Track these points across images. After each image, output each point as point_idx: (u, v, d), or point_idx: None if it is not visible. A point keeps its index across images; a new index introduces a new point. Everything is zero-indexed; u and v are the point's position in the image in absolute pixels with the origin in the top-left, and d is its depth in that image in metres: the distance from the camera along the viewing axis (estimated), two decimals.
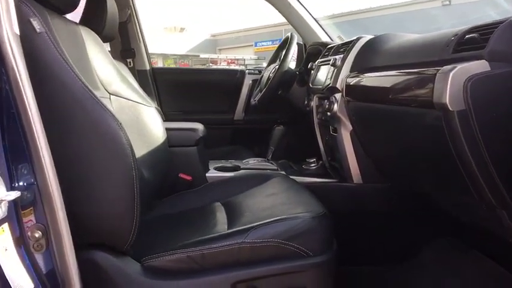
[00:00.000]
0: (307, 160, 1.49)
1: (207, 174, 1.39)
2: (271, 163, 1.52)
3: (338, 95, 1.35)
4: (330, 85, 1.36)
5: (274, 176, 1.27)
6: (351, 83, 1.22)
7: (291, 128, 1.67)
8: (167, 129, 1.36)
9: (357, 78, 1.20)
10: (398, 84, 0.95)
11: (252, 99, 2.00)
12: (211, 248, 0.84)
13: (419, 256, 1.34)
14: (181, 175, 1.32)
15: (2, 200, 0.58)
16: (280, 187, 1.16)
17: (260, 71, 2.18)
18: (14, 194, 0.59)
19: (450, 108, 0.75)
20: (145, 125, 1.21)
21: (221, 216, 1.05)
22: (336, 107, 1.35)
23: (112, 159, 0.82)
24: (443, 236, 1.38)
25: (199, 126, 1.43)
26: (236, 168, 1.44)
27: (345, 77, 1.27)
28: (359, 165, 1.37)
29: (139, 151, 1.07)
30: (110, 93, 1.12)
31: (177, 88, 2.16)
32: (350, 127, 1.34)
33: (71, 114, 0.78)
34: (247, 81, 2.20)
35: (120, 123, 0.82)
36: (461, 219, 1.35)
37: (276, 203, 1.03)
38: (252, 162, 1.51)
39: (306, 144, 1.69)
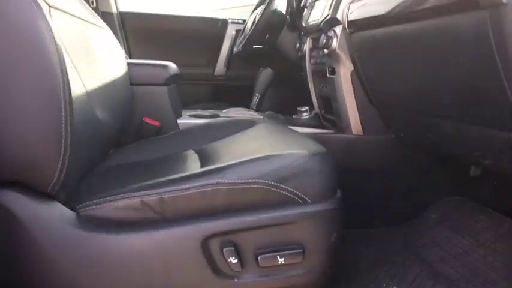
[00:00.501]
0: (299, 109, 1.28)
1: (179, 121, 1.15)
2: (256, 113, 1.30)
3: (338, 28, 1.13)
4: (329, 16, 1.14)
5: (260, 122, 1.06)
6: (355, 10, 1.00)
7: (280, 74, 1.45)
8: (130, 64, 1.11)
9: (363, 1, 0.98)
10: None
11: (235, 48, 1.75)
12: (175, 190, 0.62)
13: (425, 217, 1.17)
14: (147, 119, 1.09)
15: None
16: (268, 130, 0.94)
17: (244, 20, 1.93)
18: None
19: (504, 0, 0.55)
20: (98, 52, 0.96)
21: (193, 162, 0.83)
22: (335, 42, 1.13)
23: (35, 76, 0.58)
24: (452, 195, 1.21)
25: (170, 63, 1.19)
26: (214, 117, 1.22)
27: (348, 3, 1.05)
28: (359, 113, 1.17)
29: (89, 83, 0.83)
30: (50, 6, 0.86)
31: (149, 37, 1.88)
32: (351, 66, 1.13)
33: None
34: (230, 31, 1.94)
35: (54, 36, 0.58)
36: (471, 174, 1.20)
37: (264, 145, 0.81)
38: (234, 111, 1.28)
39: (296, 95, 1.47)
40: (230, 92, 1.99)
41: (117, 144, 1.07)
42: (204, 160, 0.80)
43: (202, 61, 1.97)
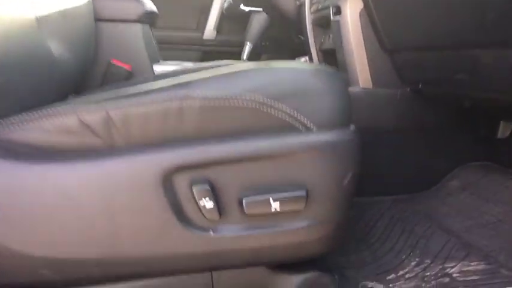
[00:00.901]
0: (297, 59, 1.10)
1: (154, 66, 0.97)
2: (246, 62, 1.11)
3: None
4: None
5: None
6: None
7: (276, 20, 1.26)
8: None
9: None
10: None
11: (225, 3, 1.56)
12: (127, 106, 0.44)
13: (446, 184, 0.99)
14: (115, 61, 0.90)
15: None
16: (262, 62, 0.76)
17: None
18: None
19: None
20: None
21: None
22: None
23: None
24: (475, 160, 1.04)
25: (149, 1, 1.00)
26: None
27: None
28: (369, 63, 0.99)
29: (40, 9, 0.66)
30: None
31: None
32: (360, 4, 0.95)
33: None
34: None
35: None
36: (498, 135, 1.02)
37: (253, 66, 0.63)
38: (223, 62, 1.10)
39: (292, 50, 1.29)
40: (220, 58, 1.80)
41: (79, 89, 0.88)
42: None
43: (190, 24, 1.78)
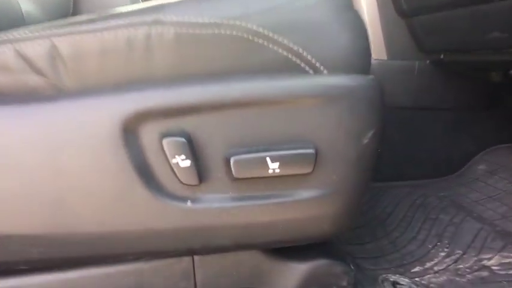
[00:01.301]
0: None
1: None
2: None
3: None
4: None
5: None
6: None
7: None
8: None
9: None
10: None
11: None
12: (79, 34, 0.34)
13: (472, 168, 0.88)
14: None
15: None
16: None
17: None
18: None
19: None
20: None
21: None
22: None
23: None
24: (502, 142, 0.92)
25: None
26: None
27: None
28: (383, 31, 0.88)
29: None
30: None
31: None
32: None
33: None
34: None
35: None
36: None
37: None
38: None
39: None
40: None
41: None
42: None
43: None
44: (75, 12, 0.83)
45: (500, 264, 0.55)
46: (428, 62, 0.87)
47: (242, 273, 0.39)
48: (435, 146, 0.91)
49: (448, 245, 0.61)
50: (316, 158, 0.35)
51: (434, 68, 0.87)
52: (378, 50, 0.89)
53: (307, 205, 0.36)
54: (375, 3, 0.87)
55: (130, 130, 0.32)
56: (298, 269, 0.40)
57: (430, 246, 0.60)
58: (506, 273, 0.53)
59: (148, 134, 0.33)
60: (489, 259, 0.56)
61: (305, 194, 0.36)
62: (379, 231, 0.65)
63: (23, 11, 0.60)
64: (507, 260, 0.56)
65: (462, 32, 0.75)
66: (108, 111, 0.33)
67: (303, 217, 0.36)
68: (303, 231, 0.37)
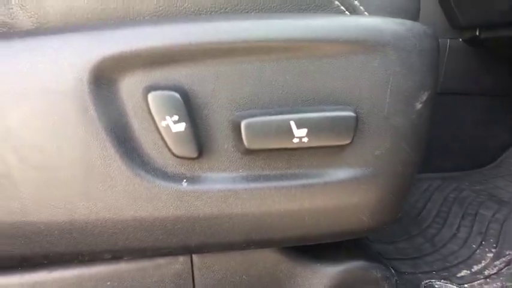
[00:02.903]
0: None
1: None
2: None
3: None
4: None
5: None
6: None
7: None
8: None
9: None
10: None
11: None
12: None
13: (505, 161, 0.78)
14: None
15: None
16: None
17: None
18: None
19: None
20: None
21: None
22: None
23: None
24: None
25: None
26: None
27: None
28: None
29: None
30: None
31: None
32: None
33: None
34: None
35: None
36: None
37: None
38: None
39: None
40: None
41: None
42: None
43: None
44: None
45: None
46: (461, 40, 0.78)
47: (253, 277, 0.30)
48: (468, 135, 0.81)
49: (495, 245, 0.51)
50: (356, 125, 0.26)
51: (468, 47, 0.77)
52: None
53: (342, 189, 0.27)
54: None
55: (103, 81, 0.24)
56: (327, 274, 0.31)
57: (474, 246, 0.51)
58: None
59: (128, 87, 0.24)
60: None
61: (340, 174, 0.27)
62: (412, 228, 0.56)
63: None
64: None
65: (502, 2, 0.66)
66: (75, 57, 0.24)
67: (337, 205, 0.27)
68: (335, 224, 0.28)
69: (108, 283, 0.31)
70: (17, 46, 0.24)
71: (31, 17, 0.25)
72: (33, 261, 0.28)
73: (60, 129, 0.24)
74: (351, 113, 0.25)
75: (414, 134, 0.29)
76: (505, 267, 0.46)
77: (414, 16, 0.32)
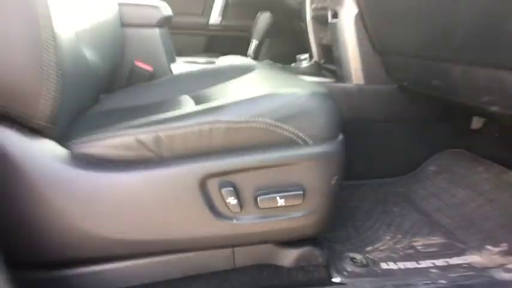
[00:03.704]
0: (298, 57, 1.22)
1: (172, 65, 1.10)
2: (254, 61, 1.24)
3: None
4: None
5: (259, 67, 1.00)
6: None
7: (279, 23, 1.38)
8: (120, 5, 1.04)
9: None
10: None
11: None
12: (171, 128, 0.59)
13: (424, 168, 1.16)
14: (138, 63, 1.03)
15: None
16: (268, 75, 0.90)
17: None
18: None
19: None
20: None
21: (188, 104, 0.79)
22: None
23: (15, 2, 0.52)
24: (452, 148, 1.19)
25: (163, 4, 1.11)
26: (210, 63, 1.16)
27: None
28: (362, 62, 1.12)
29: (77, 21, 0.77)
30: None
31: None
32: (355, 9, 1.06)
33: None
34: None
35: None
36: (472, 126, 1.17)
37: (264, 85, 0.77)
38: (230, 58, 1.22)
39: (295, 45, 1.41)
40: (225, 42, 1.90)
41: (108, 89, 1.01)
42: (200, 103, 0.76)
43: (196, 9, 1.87)
44: (122, 55, 1.04)
45: (424, 245, 0.84)
46: (395, 86, 1.13)
47: (262, 256, 0.67)
48: (399, 151, 1.18)
49: (393, 231, 0.90)
50: (304, 195, 0.62)
51: (400, 91, 1.12)
52: (358, 77, 1.14)
53: (299, 219, 0.64)
54: (356, 42, 1.10)
55: (203, 183, 0.59)
56: (294, 253, 0.69)
57: (380, 232, 0.89)
58: (426, 251, 0.82)
59: (213, 185, 0.60)
60: (417, 241, 0.85)
61: (298, 214, 0.64)
62: (348, 221, 0.94)
63: (89, 60, 0.83)
64: (429, 242, 0.85)
65: (417, 74, 1.01)
66: (190, 172, 0.59)
67: (297, 226, 0.65)
68: (297, 233, 0.65)
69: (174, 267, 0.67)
70: (166, 168, 0.59)
71: (169, 153, 0.59)
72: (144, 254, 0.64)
73: (186, 203, 0.59)
74: (301, 192, 0.61)
75: (331, 193, 0.65)
76: (392, 244, 0.85)
77: (336, 135, 0.67)
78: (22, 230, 0.56)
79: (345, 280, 0.71)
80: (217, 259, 0.67)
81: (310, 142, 0.63)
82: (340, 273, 0.73)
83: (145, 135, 0.59)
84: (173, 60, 1.12)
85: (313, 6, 1.29)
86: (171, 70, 1.08)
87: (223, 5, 1.83)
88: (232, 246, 0.66)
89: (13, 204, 0.55)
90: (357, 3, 1.04)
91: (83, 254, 0.62)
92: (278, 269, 0.71)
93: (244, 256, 0.67)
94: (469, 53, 0.78)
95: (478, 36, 0.70)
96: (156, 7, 1.07)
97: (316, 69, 1.23)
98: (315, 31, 1.34)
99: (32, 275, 0.62)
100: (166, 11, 1.10)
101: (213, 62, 1.17)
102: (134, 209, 0.59)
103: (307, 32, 1.37)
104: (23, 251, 0.58)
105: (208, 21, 1.85)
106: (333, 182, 0.64)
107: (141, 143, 0.59)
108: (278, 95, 0.64)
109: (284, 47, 1.61)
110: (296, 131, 0.62)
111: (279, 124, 0.61)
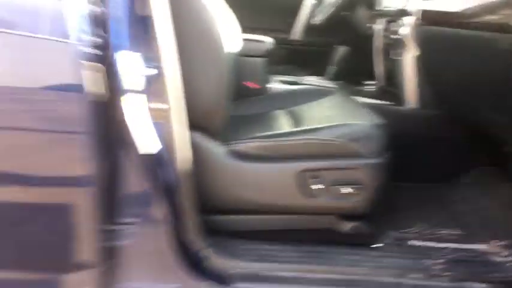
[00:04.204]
0: (365, 82, 1.56)
1: (268, 85, 1.50)
2: (331, 82, 1.60)
3: (409, 18, 1.37)
4: (404, 7, 1.38)
5: (334, 92, 1.37)
6: (427, 6, 1.24)
7: (352, 50, 1.71)
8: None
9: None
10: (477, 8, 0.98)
11: (312, 20, 2.01)
12: (286, 140, 1.00)
13: (459, 179, 1.45)
14: (247, 83, 1.45)
15: (142, 75, 0.74)
16: (339, 100, 1.27)
17: None
18: (150, 71, 0.74)
19: None
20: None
21: (288, 119, 1.19)
22: (405, 30, 1.38)
23: (207, 49, 0.96)
24: (484, 165, 1.47)
25: (268, 38, 1.52)
26: (297, 83, 1.54)
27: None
28: (417, 91, 1.44)
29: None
30: None
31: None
32: (415, 52, 1.38)
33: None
34: (308, 1, 2.18)
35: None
36: (504, 148, 1.43)
37: (338, 113, 1.15)
38: (311, 79, 1.60)
39: (364, 68, 1.74)
40: (303, 55, 2.26)
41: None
42: (295, 119, 1.16)
43: (278, 25, 2.23)
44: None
45: (445, 234, 1.17)
46: (441, 112, 1.42)
47: (330, 221, 1.06)
48: (439, 163, 1.47)
49: (422, 222, 1.22)
50: (361, 189, 0.99)
51: (445, 116, 1.41)
52: (412, 102, 1.45)
53: (356, 202, 1.01)
54: (414, 74, 1.41)
55: (299, 175, 0.99)
56: (349, 223, 1.07)
57: (413, 221, 1.22)
58: (445, 238, 1.15)
59: (306, 177, 0.99)
60: (440, 231, 1.18)
61: (356, 199, 1.01)
62: (390, 210, 1.28)
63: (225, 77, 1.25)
64: (449, 233, 1.17)
65: (460, 105, 1.30)
66: (292, 168, 0.99)
67: (354, 206, 1.02)
68: (353, 210, 1.03)
69: (279, 222, 1.08)
70: (278, 164, 1.00)
71: (278, 155, 1.00)
72: None
73: (287, 186, 1.00)
74: (360, 186, 0.99)
75: (378, 188, 1.02)
76: (418, 231, 1.18)
77: (385, 152, 1.03)
78: (206, 192, 0.99)
79: (380, 247, 1.07)
80: (303, 221, 1.06)
81: (368, 155, 1.00)
82: (378, 242, 1.09)
83: (269, 143, 1.00)
84: (270, 80, 1.52)
85: (382, 40, 1.61)
86: (269, 88, 1.49)
87: (304, 25, 2.18)
88: (313, 214, 1.05)
89: (200, 178, 0.98)
90: (417, 48, 1.35)
91: (234, 207, 1.04)
92: (336, 232, 1.09)
93: (318, 221, 1.06)
94: (490, 105, 1.08)
95: (492, 94, 1.01)
96: (263, 41, 1.48)
97: (380, 94, 1.56)
98: (381, 60, 1.66)
99: (208, 218, 1.01)
100: (270, 44, 1.49)
101: (299, 83, 1.55)
102: (262, 185, 1.01)
103: (374, 59, 1.69)
104: (206, 202, 0.99)
105: (289, 37, 2.21)
106: (380, 182, 1.01)
107: (267, 148, 1.00)
108: (352, 124, 1.02)
109: (355, 67, 1.94)
110: (360, 148, 0.99)
111: (350, 143, 0.99)
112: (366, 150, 0.99)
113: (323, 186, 0.99)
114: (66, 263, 0.81)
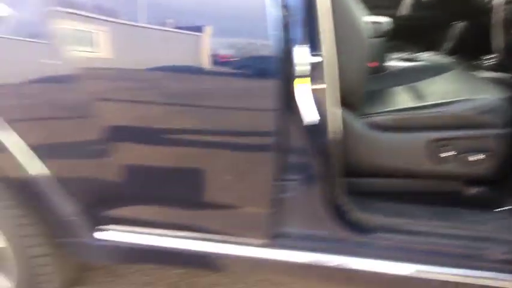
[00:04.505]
0: (483, 56, 1.59)
1: (386, 63, 1.62)
2: (447, 57, 1.66)
3: None
4: None
5: (452, 67, 1.45)
6: None
7: (470, 24, 1.72)
8: None
9: None
10: None
11: None
12: (418, 113, 1.15)
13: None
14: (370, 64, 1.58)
15: (309, 62, 0.95)
16: (459, 75, 1.36)
17: None
18: (316, 59, 0.95)
19: None
20: None
21: (410, 95, 1.31)
22: None
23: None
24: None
25: (385, 19, 1.62)
26: (414, 59, 1.64)
27: None
28: None
29: None
30: None
31: None
32: None
33: None
34: None
35: None
36: None
37: (460, 87, 1.25)
38: (427, 55, 1.67)
39: (481, 42, 1.75)
40: (411, 30, 2.28)
41: None
42: (418, 95, 1.28)
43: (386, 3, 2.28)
44: None
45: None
46: None
47: (458, 185, 1.19)
48: None
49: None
50: (487, 157, 1.09)
51: None
52: None
53: (482, 169, 1.12)
54: None
55: (428, 144, 1.14)
56: (473, 188, 1.18)
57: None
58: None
59: (434, 146, 1.13)
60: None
61: (482, 166, 1.12)
62: None
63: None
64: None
65: None
66: (422, 138, 1.14)
67: (480, 172, 1.13)
68: (479, 176, 1.14)
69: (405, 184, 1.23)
70: (405, 135, 1.15)
71: (408, 125, 1.14)
72: None
73: (418, 154, 1.15)
74: (489, 153, 1.10)
75: (501, 157, 1.11)
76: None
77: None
78: (349, 158, 1.17)
79: (504, 210, 1.17)
80: (432, 185, 1.21)
81: (497, 126, 1.10)
82: (502, 206, 1.19)
83: (403, 116, 1.15)
84: (387, 58, 1.64)
85: (505, 14, 1.60)
86: (388, 66, 1.61)
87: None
88: (441, 179, 1.19)
89: (344, 146, 1.17)
90: None
91: (371, 171, 1.22)
92: (462, 195, 1.22)
93: (446, 185, 1.20)
94: None
95: None
96: (382, 23, 1.59)
97: (500, 66, 1.57)
98: (500, 31, 1.65)
99: (350, 180, 1.20)
100: (388, 24, 1.60)
101: (416, 59, 1.64)
102: (396, 152, 1.17)
103: (491, 30, 1.68)
104: (349, 167, 1.18)
105: (397, 13, 2.25)
106: (508, 150, 1.10)
107: (401, 120, 1.16)
108: (479, 98, 1.13)
109: (474, 40, 1.93)
110: (489, 120, 1.09)
111: (480, 116, 1.09)
112: (494, 121, 1.09)
113: (452, 154, 1.12)
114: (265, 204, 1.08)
